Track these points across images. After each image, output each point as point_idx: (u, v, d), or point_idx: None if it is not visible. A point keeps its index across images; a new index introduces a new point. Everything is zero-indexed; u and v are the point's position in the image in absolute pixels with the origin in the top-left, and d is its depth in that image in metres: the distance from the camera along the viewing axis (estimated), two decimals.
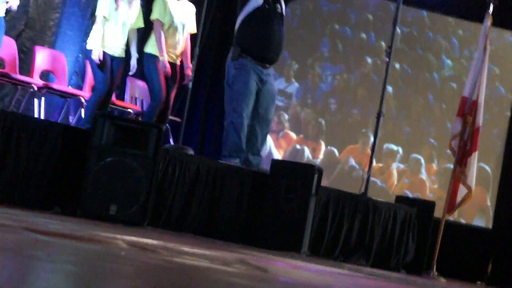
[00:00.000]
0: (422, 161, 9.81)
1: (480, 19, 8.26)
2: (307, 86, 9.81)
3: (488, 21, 7.73)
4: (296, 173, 6.12)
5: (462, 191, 7.62)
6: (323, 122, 9.81)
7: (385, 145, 9.73)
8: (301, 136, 9.75)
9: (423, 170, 9.78)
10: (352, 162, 9.70)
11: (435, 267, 7.41)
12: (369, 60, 9.98)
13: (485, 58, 7.67)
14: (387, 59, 7.47)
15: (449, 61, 10.07)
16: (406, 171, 9.74)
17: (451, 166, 9.78)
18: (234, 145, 6.51)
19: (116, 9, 6.93)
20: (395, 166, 9.66)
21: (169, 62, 7.22)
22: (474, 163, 7.59)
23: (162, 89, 7.13)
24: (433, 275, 7.33)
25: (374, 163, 9.59)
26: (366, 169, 9.15)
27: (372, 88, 9.94)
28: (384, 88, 7.56)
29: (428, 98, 9.99)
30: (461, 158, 7.60)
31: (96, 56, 6.86)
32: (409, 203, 7.27)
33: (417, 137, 9.88)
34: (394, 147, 9.67)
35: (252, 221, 6.15)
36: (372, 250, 6.82)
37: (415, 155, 9.81)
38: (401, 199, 7.57)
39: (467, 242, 9.58)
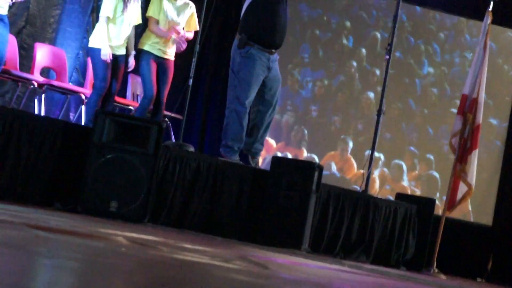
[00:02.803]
0: (404, 167, 9.76)
1: (480, 16, 8.28)
2: (287, 92, 9.73)
3: (489, 18, 7.74)
4: (296, 170, 6.12)
5: (462, 188, 7.63)
6: (304, 128, 9.76)
7: (367, 152, 9.69)
8: (282, 142, 9.68)
9: (405, 177, 9.73)
10: (334, 169, 9.64)
11: (435, 264, 7.42)
12: (349, 66, 9.91)
13: (485, 55, 7.67)
14: (387, 56, 7.46)
15: (430, 67, 10.01)
16: (388, 177, 9.67)
17: (434, 172, 9.80)
18: (236, 133, 6.50)
19: (123, 11, 6.93)
20: (377, 173, 9.61)
21: (162, 58, 7.23)
22: (475, 160, 7.59)
23: (153, 85, 7.14)
24: (433, 272, 7.34)
25: (355, 170, 9.58)
26: (349, 176, 9.16)
27: (353, 94, 9.90)
28: (384, 85, 7.56)
29: (409, 104, 9.94)
30: (462, 156, 7.60)
31: (106, 56, 6.85)
32: (409, 200, 7.28)
33: (398, 143, 9.80)
34: (376, 154, 9.63)
35: (252, 217, 6.16)
36: (373, 247, 6.83)
37: (397, 161, 9.76)
38: (402, 196, 7.58)
39: (467, 239, 9.60)
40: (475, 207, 9.65)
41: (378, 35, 9.90)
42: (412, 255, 7.11)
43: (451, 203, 7.66)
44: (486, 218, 9.73)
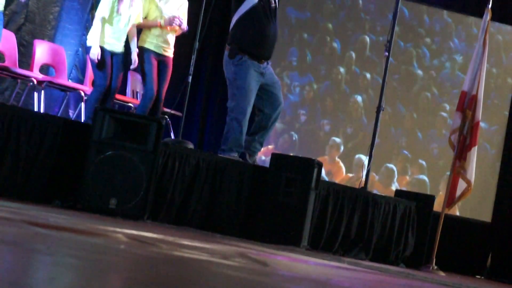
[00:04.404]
0: (395, 171, 9.72)
1: (479, 13, 8.28)
2: None
3: (488, 15, 7.73)
4: (296, 167, 6.13)
5: (461, 185, 7.63)
6: (292, 133, 9.73)
7: (357, 156, 9.67)
8: (270, 146, 9.63)
9: (394, 181, 9.67)
10: (322, 172, 9.57)
11: (434, 261, 7.42)
12: (338, 69, 9.87)
13: (484, 52, 7.67)
14: (386, 54, 7.50)
15: (419, 70, 9.97)
16: (376, 182, 9.60)
17: (423, 176, 9.76)
18: (235, 141, 6.53)
19: (118, 11, 6.93)
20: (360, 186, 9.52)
21: (161, 55, 7.23)
22: (474, 157, 7.59)
23: (154, 85, 7.15)
24: (432, 269, 7.34)
25: (344, 174, 9.53)
26: (338, 179, 9.10)
27: (342, 98, 9.87)
28: (383, 83, 7.58)
29: (398, 108, 9.89)
30: (461, 153, 7.60)
31: (95, 56, 6.86)
32: (408, 197, 7.29)
33: (387, 147, 9.74)
34: (364, 157, 9.57)
35: (251, 215, 6.16)
36: (372, 244, 6.83)
37: (387, 165, 9.73)
38: (401, 193, 7.58)
39: (467, 236, 9.60)
40: (474, 204, 9.64)
41: (367, 38, 9.88)
42: (411, 252, 7.12)
43: (450, 200, 7.66)
44: (486, 215, 9.73)
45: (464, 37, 10.00)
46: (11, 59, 7.63)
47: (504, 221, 9.61)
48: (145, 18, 7.23)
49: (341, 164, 9.67)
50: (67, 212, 5.09)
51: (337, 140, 9.71)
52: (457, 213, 9.60)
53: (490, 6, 7.75)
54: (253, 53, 6.57)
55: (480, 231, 9.65)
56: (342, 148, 9.71)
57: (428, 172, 9.76)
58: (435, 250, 7.48)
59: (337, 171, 9.56)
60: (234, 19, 6.60)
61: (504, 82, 10.03)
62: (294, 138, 9.69)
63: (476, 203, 9.61)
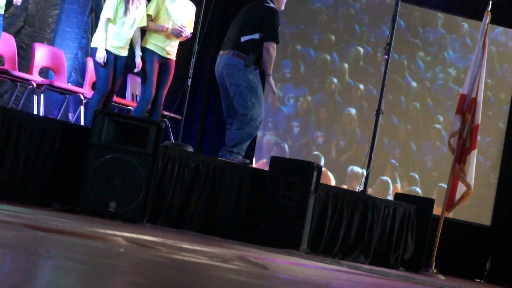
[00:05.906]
0: (390, 185, 9.69)
1: (478, 16, 8.28)
2: (268, 109, 9.54)
3: (487, 18, 7.74)
4: (295, 170, 6.13)
5: (461, 188, 7.63)
6: (285, 145, 9.71)
7: (350, 167, 9.66)
8: (263, 161, 9.60)
9: (390, 193, 9.64)
10: None
11: (434, 264, 7.42)
12: (331, 81, 9.85)
13: (484, 55, 7.67)
14: (386, 56, 7.52)
15: (413, 82, 9.94)
16: (370, 192, 9.57)
17: (417, 188, 9.74)
18: (244, 147, 6.73)
19: (125, 13, 6.92)
20: (360, 189, 9.51)
21: (164, 58, 7.22)
22: (473, 160, 7.59)
23: (153, 88, 7.13)
24: (432, 272, 7.34)
25: (333, 184, 9.51)
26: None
27: (335, 110, 9.85)
28: (383, 86, 7.60)
29: (392, 119, 9.86)
30: (460, 156, 7.60)
31: (101, 59, 6.84)
32: (408, 201, 7.29)
33: (381, 159, 9.66)
34: (358, 169, 9.55)
35: (251, 218, 6.16)
36: (371, 247, 6.83)
37: (381, 178, 9.70)
38: (400, 197, 7.58)
39: (466, 240, 9.60)
40: (474, 208, 9.64)
41: (361, 50, 9.88)
42: (411, 256, 7.12)
43: (450, 204, 7.66)
44: (485, 219, 9.72)
45: (458, 48, 9.98)
46: (11, 62, 7.63)
47: (504, 224, 9.61)
48: (153, 20, 7.20)
49: (329, 175, 9.67)
50: (67, 216, 5.09)
51: (316, 153, 9.72)
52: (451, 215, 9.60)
53: (489, 8, 7.75)
54: (261, 68, 6.79)
55: (479, 235, 9.64)
56: (323, 159, 9.70)
57: (421, 184, 9.73)
58: (435, 254, 7.48)
59: (325, 183, 9.52)
60: (252, 36, 6.69)
61: (498, 93, 10.00)
62: (286, 150, 9.67)
63: (475, 206, 9.61)
